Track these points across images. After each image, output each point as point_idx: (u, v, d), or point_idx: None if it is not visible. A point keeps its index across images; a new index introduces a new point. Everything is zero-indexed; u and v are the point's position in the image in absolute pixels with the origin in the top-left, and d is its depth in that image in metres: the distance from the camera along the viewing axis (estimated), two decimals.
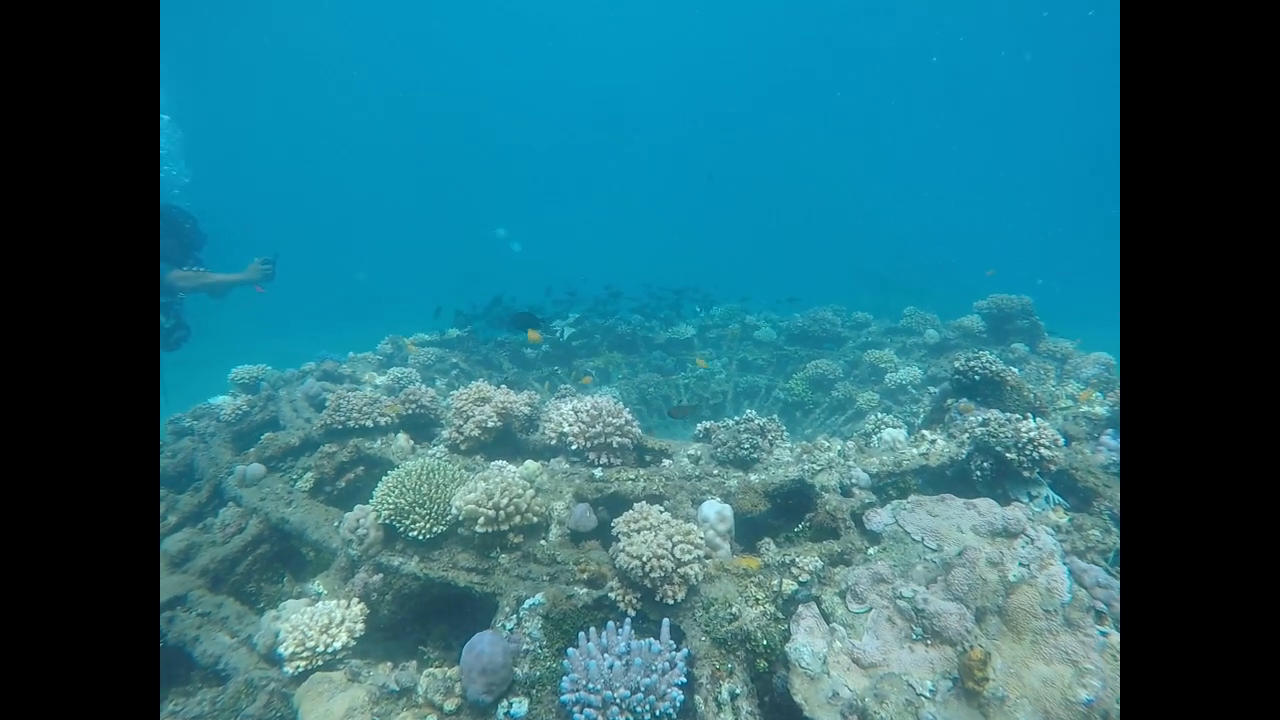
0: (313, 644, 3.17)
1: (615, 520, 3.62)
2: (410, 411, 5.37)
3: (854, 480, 4.02)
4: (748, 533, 4.03)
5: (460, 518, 3.75)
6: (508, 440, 5.09)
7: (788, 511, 4.16)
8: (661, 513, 3.60)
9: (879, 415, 5.40)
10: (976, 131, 45.46)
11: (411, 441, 5.02)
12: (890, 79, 41.85)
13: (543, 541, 3.91)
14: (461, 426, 4.80)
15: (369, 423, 5.17)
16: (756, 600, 3.29)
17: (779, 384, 10.39)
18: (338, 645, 3.25)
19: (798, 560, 3.48)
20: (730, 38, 41.16)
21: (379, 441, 5.10)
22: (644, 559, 3.23)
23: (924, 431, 4.79)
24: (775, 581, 3.39)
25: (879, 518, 3.58)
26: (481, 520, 3.70)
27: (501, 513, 3.73)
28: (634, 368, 11.63)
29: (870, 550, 3.46)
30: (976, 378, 4.87)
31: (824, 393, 9.63)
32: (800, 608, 3.12)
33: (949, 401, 5.06)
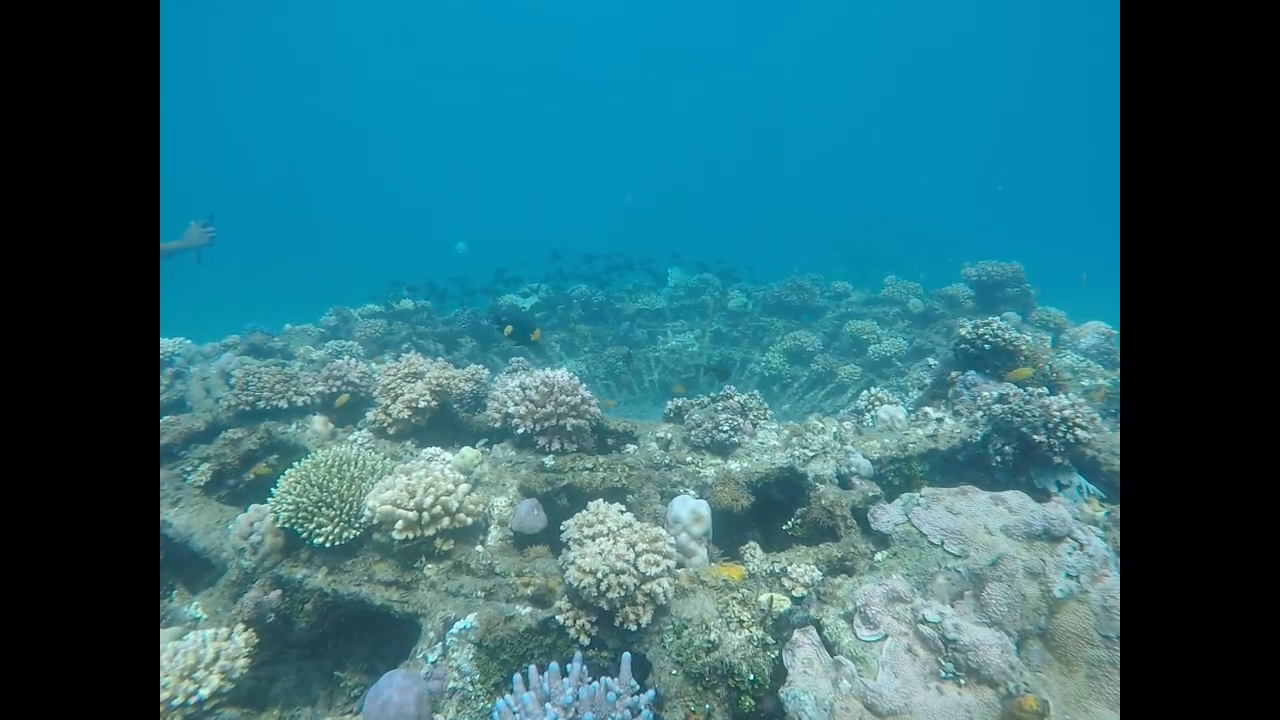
0: (167, 695, 2.43)
1: (565, 523, 2.94)
2: (333, 390, 4.58)
3: (854, 468, 3.39)
4: (728, 532, 3.40)
5: (375, 521, 3.03)
6: (446, 422, 4.36)
7: (774, 507, 3.53)
8: (623, 514, 2.93)
9: (873, 389, 4.79)
10: (950, 96, 44.75)
11: (331, 425, 4.24)
12: (859, 46, 40.82)
13: (479, 547, 3.21)
14: (389, 407, 4.04)
15: (283, 403, 4.37)
16: (741, 622, 2.65)
17: (755, 356, 9.81)
18: (205, 693, 2.52)
19: (790, 569, 2.84)
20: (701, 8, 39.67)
21: (295, 425, 4.31)
22: (600, 574, 2.55)
23: (926, 409, 4.20)
24: (763, 597, 2.75)
25: (887, 515, 2.97)
26: (400, 524, 2.97)
27: (426, 514, 3.01)
28: (602, 340, 10.92)
29: (878, 556, 2.84)
30: (986, 346, 4.27)
31: (803, 366, 9.08)
32: (796, 633, 2.49)
33: (953, 374, 4.47)
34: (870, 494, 3.25)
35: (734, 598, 2.77)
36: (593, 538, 2.78)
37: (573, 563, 2.66)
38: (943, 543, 2.71)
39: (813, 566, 2.85)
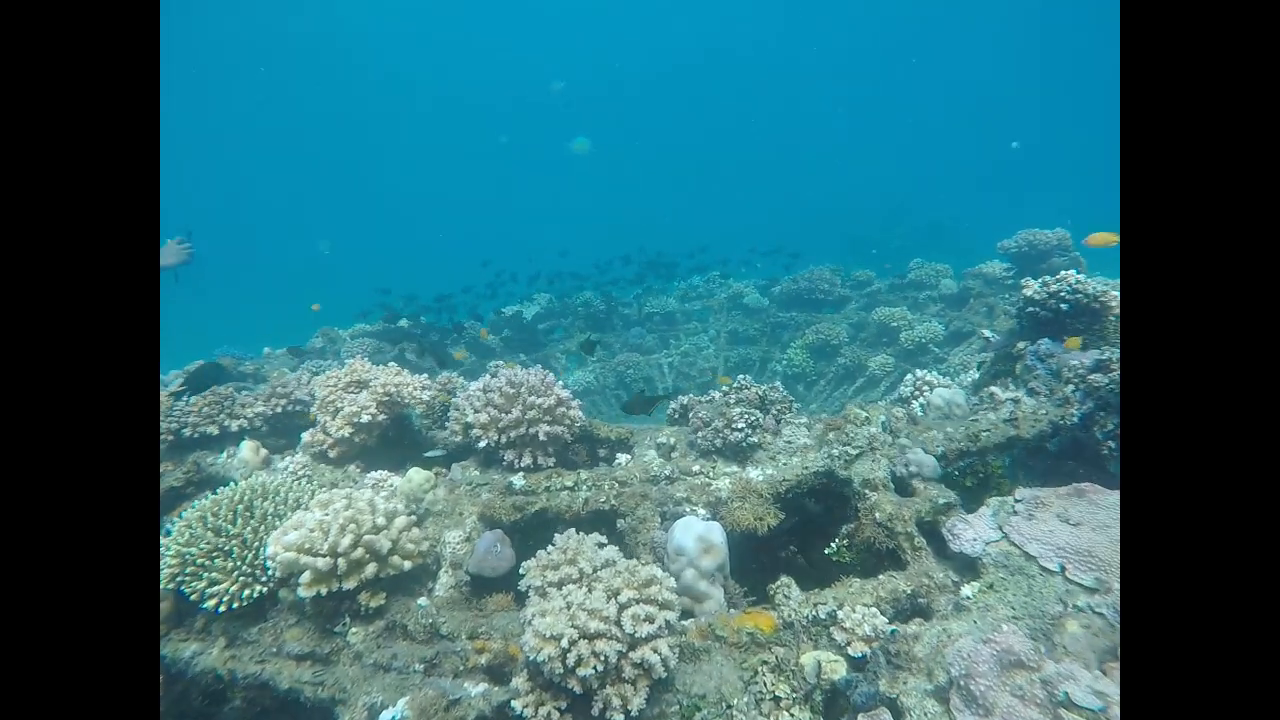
0: None
1: (525, 565, 2.15)
2: (277, 410, 3.87)
3: (913, 467, 2.56)
4: (752, 563, 2.58)
5: (275, 572, 2.28)
6: (406, 440, 3.61)
7: (811, 524, 2.71)
8: (602, 547, 2.13)
9: (918, 372, 3.95)
10: (966, 83, 43.19)
11: (264, 451, 3.51)
12: (873, 35, 39.66)
13: (422, 600, 2.42)
14: (328, 424, 3.31)
15: (213, 429, 3.66)
16: (776, 700, 1.82)
17: (775, 354, 9.00)
18: None
19: (841, 614, 2.02)
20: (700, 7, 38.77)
21: (225, 454, 3.60)
22: (566, 641, 1.76)
23: (992, 389, 3.34)
24: (807, 658, 1.92)
25: (972, 531, 2.13)
26: (309, 576, 2.21)
27: (343, 561, 2.24)
28: (610, 348, 10.23)
29: (965, 590, 2.00)
30: (1063, 306, 3.42)
31: (828, 361, 8.26)
32: (861, 719, 1.66)
33: (1019, 345, 3.61)
34: (940, 500, 2.41)
35: (765, 661, 1.95)
36: (559, 585, 1.99)
37: (531, 624, 1.87)
38: (1063, 569, 1.87)
39: (873, 609, 2.02)
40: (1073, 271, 3.49)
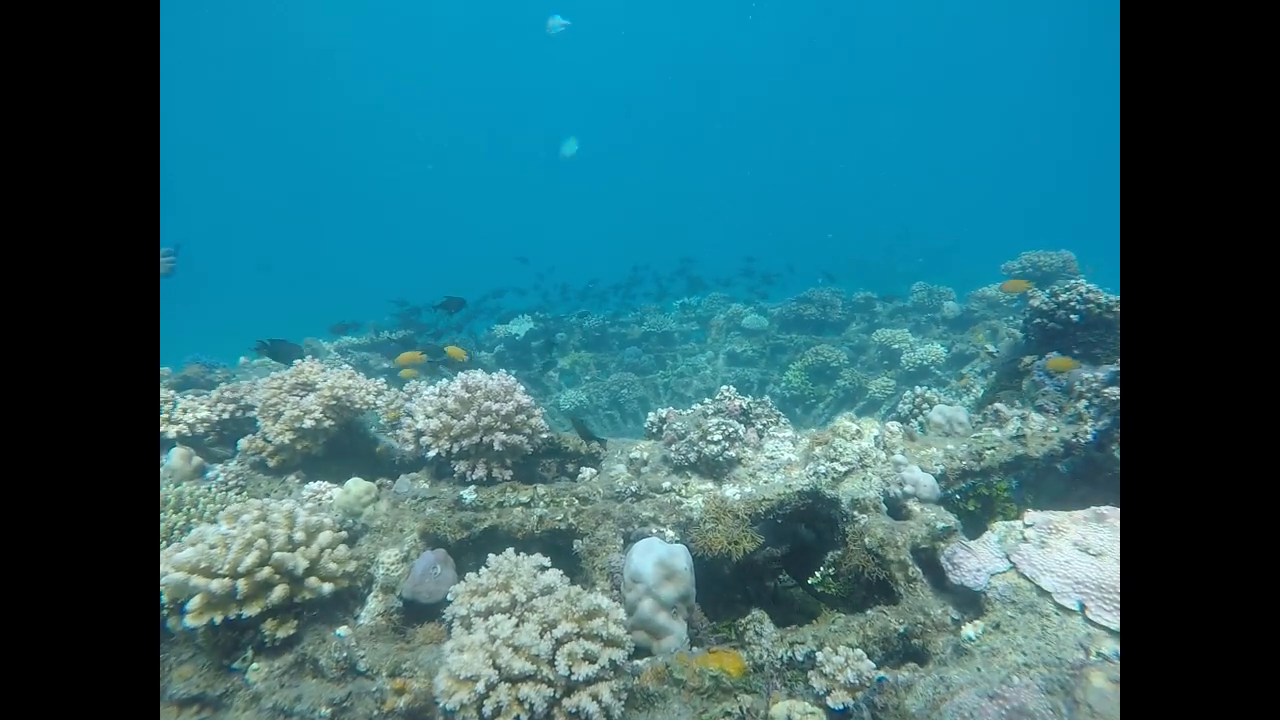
0: None
1: (454, 589, 1.84)
2: (223, 416, 3.58)
3: (909, 487, 2.25)
4: (734, 593, 2.26)
5: (164, 596, 1.97)
6: (360, 449, 3.31)
7: (806, 552, 2.39)
8: (543, 571, 1.83)
9: (917, 389, 3.66)
10: (965, 107, 43.15)
11: (196, 459, 3.21)
12: (874, 60, 39.84)
13: (341, 630, 2.11)
14: (268, 429, 3.02)
15: None
16: None
17: (773, 377, 8.75)
18: None
19: (821, 657, 1.70)
20: (709, 26, 38.92)
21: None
22: (484, 685, 1.45)
23: (997, 405, 3.05)
24: (778, 710, 1.60)
25: (975, 560, 1.82)
26: (198, 601, 1.90)
27: (245, 582, 1.94)
28: (605, 368, 9.99)
29: (967, 629, 1.69)
30: (1073, 318, 3.14)
31: (828, 384, 8.00)
32: None
33: (1026, 359, 3.33)
34: (939, 524, 2.10)
35: (728, 712, 1.63)
36: (487, 613, 1.68)
37: (447, 663, 1.56)
38: (1083, 607, 1.56)
39: (859, 652, 1.71)
40: (1082, 281, 3.22)
